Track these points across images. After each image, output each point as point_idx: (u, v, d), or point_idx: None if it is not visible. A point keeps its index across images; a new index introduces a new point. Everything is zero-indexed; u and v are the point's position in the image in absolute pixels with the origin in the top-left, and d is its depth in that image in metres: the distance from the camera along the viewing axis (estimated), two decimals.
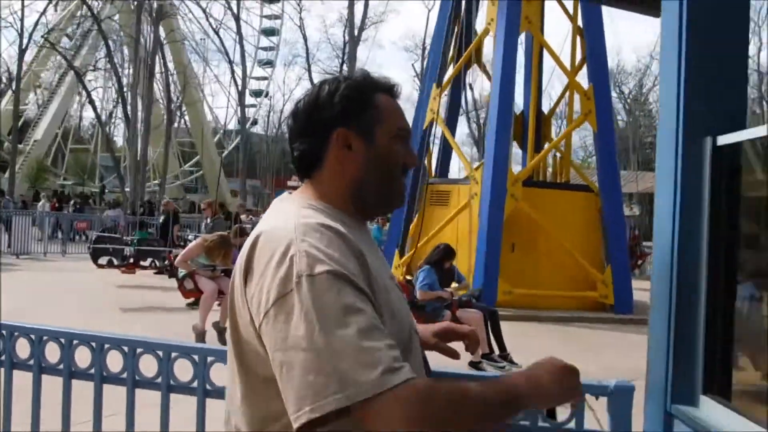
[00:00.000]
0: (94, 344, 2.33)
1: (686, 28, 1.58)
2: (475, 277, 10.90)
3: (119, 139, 41.65)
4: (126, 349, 2.28)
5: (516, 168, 13.37)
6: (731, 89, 1.59)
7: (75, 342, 2.37)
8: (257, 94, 55.50)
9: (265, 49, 55.52)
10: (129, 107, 31.08)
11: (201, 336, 7.85)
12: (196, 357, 2.20)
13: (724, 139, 1.52)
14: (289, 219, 1.29)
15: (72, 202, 29.25)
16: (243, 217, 21.78)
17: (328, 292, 1.16)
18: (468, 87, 14.63)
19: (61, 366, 2.38)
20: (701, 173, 1.55)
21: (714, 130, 1.54)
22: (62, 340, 2.39)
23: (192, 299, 9.40)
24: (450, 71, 13.65)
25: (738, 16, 1.61)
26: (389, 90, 1.45)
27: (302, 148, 1.42)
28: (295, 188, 1.53)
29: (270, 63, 55.61)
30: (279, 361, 1.16)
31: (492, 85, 12.47)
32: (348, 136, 1.38)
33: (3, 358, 2.48)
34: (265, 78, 55.97)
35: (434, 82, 13.39)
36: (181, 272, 8.59)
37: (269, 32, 55.41)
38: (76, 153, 49.75)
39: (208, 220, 12.24)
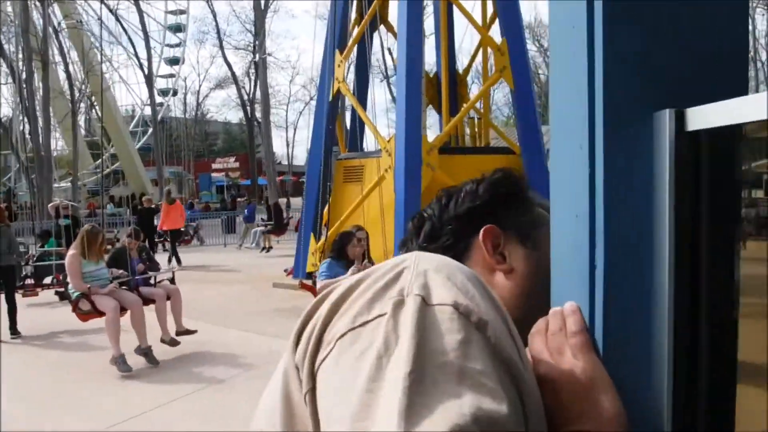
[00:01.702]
0: None
1: None
2: None
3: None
4: None
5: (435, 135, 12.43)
6: None
7: None
8: (165, 93, 52.62)
9: (172, 45, 52.56)
10: (26, 101, 28.86)
11: (122, 362, 6.72)
12: None
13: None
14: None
15: None
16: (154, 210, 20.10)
17: (445, 334, 0.60)
18: (388, 52, 13.62)
19: None
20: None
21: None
22: None
23: None
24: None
25: None
26: None
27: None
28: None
29: (177, 61, 52.70)
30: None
31: (398, 46, 11.42)
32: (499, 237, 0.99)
33: None
34: (172, 75, 53.16)
35: (337, 48, 12.25)
36: (74, 292, 7.22)
37: (176, 29, 52.53)
38: None
39: None
